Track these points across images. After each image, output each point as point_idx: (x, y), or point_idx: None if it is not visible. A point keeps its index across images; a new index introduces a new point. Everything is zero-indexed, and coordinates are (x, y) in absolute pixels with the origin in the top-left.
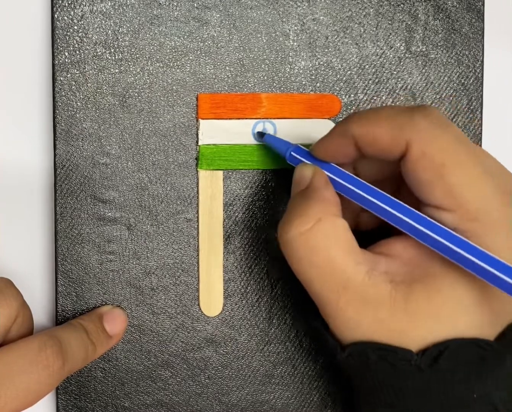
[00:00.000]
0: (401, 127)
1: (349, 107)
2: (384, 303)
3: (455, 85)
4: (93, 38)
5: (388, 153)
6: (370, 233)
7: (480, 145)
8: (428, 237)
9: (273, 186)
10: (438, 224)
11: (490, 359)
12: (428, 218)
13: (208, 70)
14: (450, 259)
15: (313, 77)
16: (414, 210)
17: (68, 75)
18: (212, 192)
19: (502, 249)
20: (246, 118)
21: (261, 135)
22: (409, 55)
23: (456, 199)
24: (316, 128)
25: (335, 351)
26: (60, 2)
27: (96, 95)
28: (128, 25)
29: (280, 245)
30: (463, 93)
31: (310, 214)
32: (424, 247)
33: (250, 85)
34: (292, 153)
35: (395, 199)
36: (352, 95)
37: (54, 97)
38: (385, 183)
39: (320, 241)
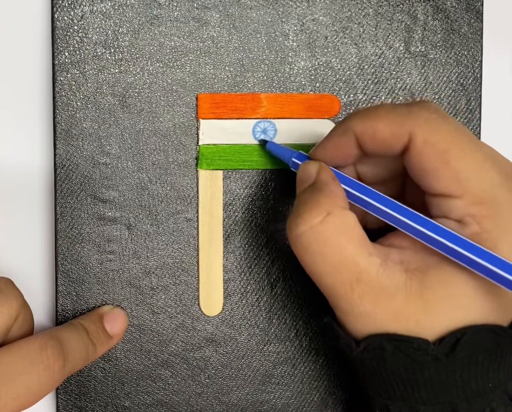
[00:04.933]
0: (401, 120)
1: (349, 107)
2: (399, 293)
3: (454, 85)
4: (93, 38)
5: (390, 147)
6: (375, 231)
7: None
8: (433, 240)
9: (273, 186)
10: (443, 226)
11: (504, 346)
12: (432, 221)
13: (208, 70)
14: (456, 261)
15: (312, 77)
16: (417, 213)
17: (68, 75)
18: (212, 192)
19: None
20: (246, 118)
21: (263, 142)
22: (408, 55)
23: (462, 183)
24: (315, 128)
25: (349, 346)
26: (60, 2)
27: (96, 95)
28: (128, 25)
29: (290, 240)
30: (461, 93)
31: (320, 207)
32: None
33: (249, 85)
34: (294, 159)
35: (397, 202)
36: (351, 95)
37: (54, 97)
38: (388, 185)
39: (331, 234)
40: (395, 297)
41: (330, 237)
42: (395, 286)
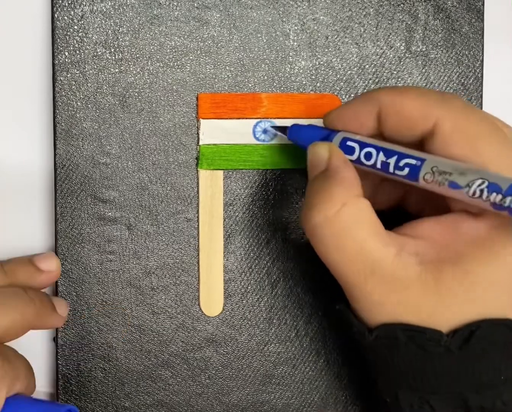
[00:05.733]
0: (432, 103)
1: None
2: (413, 286)
3: (455, 85)
4: (93, 38)
5: (412, 128)
6: (387, 215)
7: None
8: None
9: (274, 186)
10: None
11: None
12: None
13: (208, 70)
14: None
15: (313, 77)
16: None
17: (68, 75)
18: (212, 192)
19: None
20: (247, 118)
21: (282, 129)
22: (409, 55)
23: None
24: None
25: (362, 334)
26: (60, 2)
27: (96, 95)
28: (128, 25)
29: (305, 230)
30: (463, 93)
31: (335, 198)
32: (452, 227)
33: (250, 85)
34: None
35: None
36: (352, 95)
37: (54, 97)
38: None
39: (347, 225)
40: (409, 289)
41: (346, 228)
42: (409, 278)
